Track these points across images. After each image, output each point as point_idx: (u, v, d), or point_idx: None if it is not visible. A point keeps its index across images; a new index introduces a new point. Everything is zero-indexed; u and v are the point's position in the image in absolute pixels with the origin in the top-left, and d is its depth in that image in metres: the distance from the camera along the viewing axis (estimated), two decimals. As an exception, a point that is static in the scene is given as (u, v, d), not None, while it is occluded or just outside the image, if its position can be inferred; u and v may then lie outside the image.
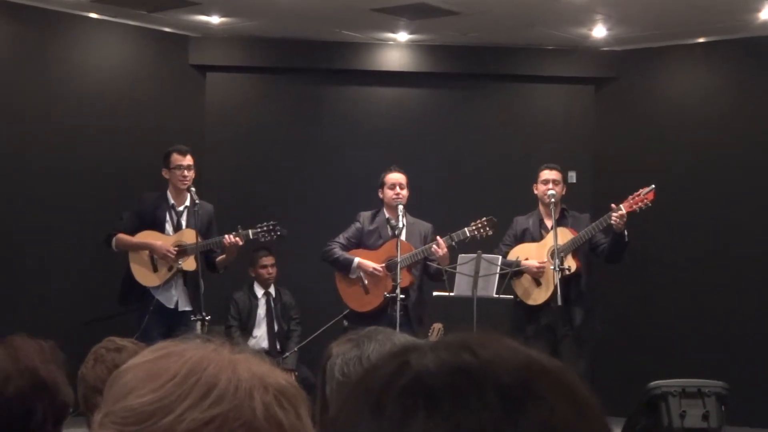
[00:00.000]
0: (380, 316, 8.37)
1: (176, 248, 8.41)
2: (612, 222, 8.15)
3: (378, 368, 1.05)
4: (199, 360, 1.31)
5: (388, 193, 8.54)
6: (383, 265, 8.53)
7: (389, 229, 8.55)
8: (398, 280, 8.11)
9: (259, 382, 1.31)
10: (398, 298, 8.06)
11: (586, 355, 8.57)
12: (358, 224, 8.76)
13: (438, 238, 8.34)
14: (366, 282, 8.60)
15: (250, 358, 1.36)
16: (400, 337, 2.68)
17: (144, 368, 1.33)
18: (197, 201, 8.36)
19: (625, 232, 8.22)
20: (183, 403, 1.27)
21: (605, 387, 9.62)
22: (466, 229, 8.40)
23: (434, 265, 8.41)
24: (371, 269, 8.53)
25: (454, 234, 8.38)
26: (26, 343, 2.59)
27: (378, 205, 8.81)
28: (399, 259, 8.19)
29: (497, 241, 8.71)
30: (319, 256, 8.80)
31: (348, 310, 8.72)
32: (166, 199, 8.59)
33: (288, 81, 11.26)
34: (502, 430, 0.96)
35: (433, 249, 8.28)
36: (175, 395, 1.28)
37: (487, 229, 8.42)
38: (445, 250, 8.28)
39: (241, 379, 1.30)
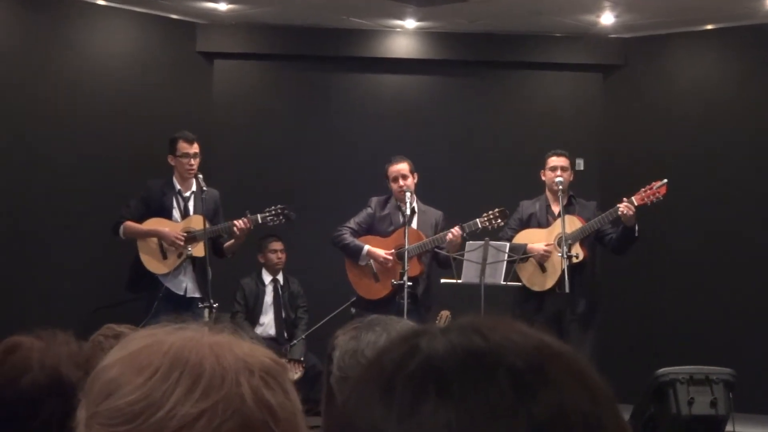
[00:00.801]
0: (388, 304, 8.38)
1: (185, 234, 8.42)
2: (619, 212, 8.13)
3: (388, 352, 1.05)
4: (180, 349, 1.29)
5: (393, 186, 8.54)
6: (393, 252, 8.53)
7: (400, 215, 8.54)
8: (406, 268, 8.11)
9: (244, 366, 1.29)
10: (405, 286, 8.06)
11: (589, 341, 8.58)
12: (369, 209, 8.75)
13: (455, 228, 8.33)
14: (375, 270, 8.60)
15: (231, 340, 1.34)
16: (400, 326, 2.67)
17: (124, 364, 1.30)
18: (205, 188, 8.36)
19: (636, 227, 8.21)
20: (171, 398, 1.25)
21: (613, 374, 9.62)
22: (477, 220, 8.40)
23: (443, 252, 8.39)
24: (381, 258, 8.53)
25: (465, 225, 8.37)
26: (62, 342, 2.56)
27: (385, 191, 8.82)
28: (407, 248, 8.20)
29: (503, 225, 8.71)
30: (329, 240, 8.79)
31: (355, 298, 8.72)
32: (173, 186, 8.59)
33: (295, 68, 11.25)
34: (513, 414, 0.96)
35: (448, 237, 8.27)
36: (161, 390, 1.26)
37: (498, 220, 8.43)
38: (459, 238, 8.28)
39: (226, 366, 1.28)
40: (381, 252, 8.54)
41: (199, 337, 1.32)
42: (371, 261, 8.61)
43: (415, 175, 8.61)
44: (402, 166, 8.55)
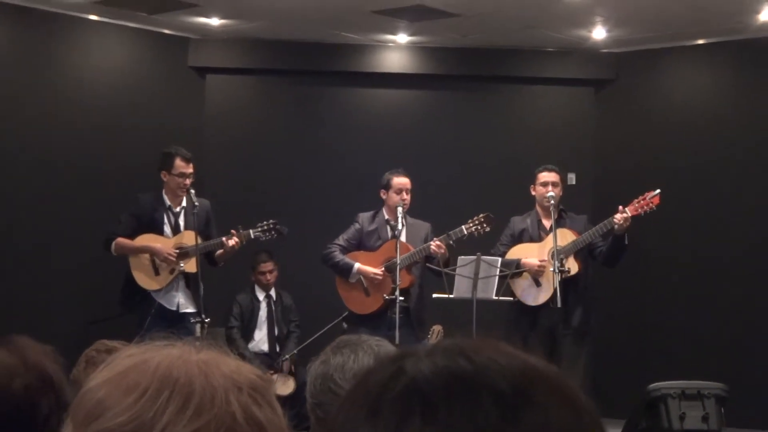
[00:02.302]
0: (380, 318, 8.38)
1: (177, 251, 8.40)
2: (614, 222, 8.13)
3: (373, 373, 1.05)
4: (168, 368, 1.28)
5: (394, 197, 8.52)
6: (382, 268, 8.52)
7: (389, 229, 8.55)
8: (397, 282, 8.11)
9: (232, 383, 1.29)
10: (397, 300, 8.06)
11: (584, 354, 8.58)
12: (357, 225, 8.75)
13: (435, 239, 8.34)
14: (366, 285, 8.59)
15: (217, 357, 1.33)
16: (368, 345, 2.65)
17: (112, 384, 1.29)
18: (196, 203, 8.33)
19: (626, 236, 8.20)
20: (162, 418, 1.24)
21: (605, 389, 9.66)
22: (463, 227, 8.38)
23: (435, 267, 8.38)
24: (371, 275, 8.52)
25: (451, 232, 8.37)
26: (30, 343, 2.60)
27: (377, 205, 8.81)
28: (398, 261, 8.19)
29: (494, 241, 8.70)
30: (320, 258, 8.79)
31: (347, 312, 8.72)
32: (163, 201, 8.55)
33: (288, 83, 11.26)
34: None
35: (432, 249, 8.28)
36: (152, 411, 1.24)
37: (484, 225, 8.40)
38: (444, 248, 8.29)
39: (215, 385, 1.28)
40: (371, 269, 8.54)
41: (186, 356, 1.32)
42: (361, 277, 8.61)
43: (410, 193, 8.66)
44: (408, 181, 8.59)
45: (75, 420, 1.31)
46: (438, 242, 8.28)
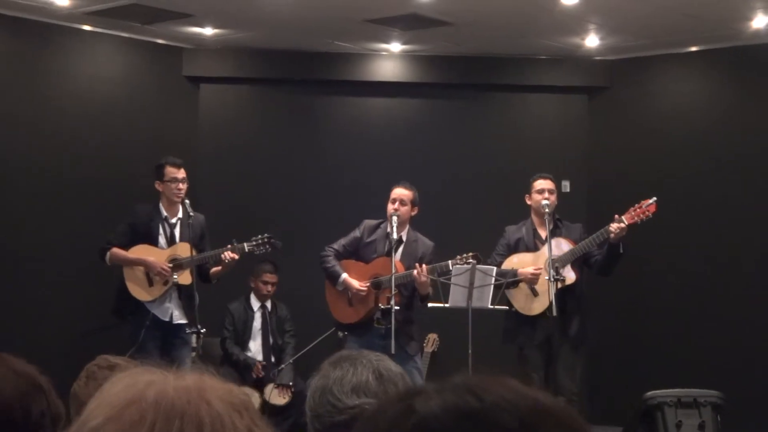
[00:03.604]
0: (369, 329, 8.38)
1: (171, 264, 8.39)
2: (611, 231, 8.12)
3: (383, 412, 1.05)
4: (170, 399, 1.26)
5: (389, 206, 8.50)
6: (367, 284, 8.49)
7: (387, 244, 8.49)
8: (393, 292, 8.10)
9: (232, 407, 1.29)
10: (392, 310, 8.04)
11: (580, 362, 8.58)
12: (357, 233, 8.70)
13: (421, 265, 8.25)
14: (350, 296, 8.57)
15: (208, 381, 1.33)
16: (368, 360, 2.65)
17: (115, 421, 1.26)
18: (191, 213, 8.32)
19: (621, 245, 8.19)
20: None
21: (602, 397, 9.68)
22: (449, 261, 8.30)
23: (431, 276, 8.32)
24: (354, 289, 8.50)
25: (437, 265, 8.28)
26: (12, 357, 2.63)
27: (370, 214, 8.80)
28: (384, 278, 8.21)
29: (490, 252, 8.68)
30: (317, 258, 8.77)
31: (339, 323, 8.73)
32: (159, 212, 8.56)
33: (281, 92, 11.26)
34: None
35: (414, 273, 8.22)
36: None
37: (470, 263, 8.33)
38: (424, 278, 8.19)
39: (220, 412, 1.27)
40: (355, 284, 8.49)
41: (181, 383, 1.30)
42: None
43: (416, 208, 8.55)
44: (403, 192, 8.49)
45: None
46: (423, 270, 8.20)
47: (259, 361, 9.70)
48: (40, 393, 2.51)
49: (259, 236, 8.56)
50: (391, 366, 2.65)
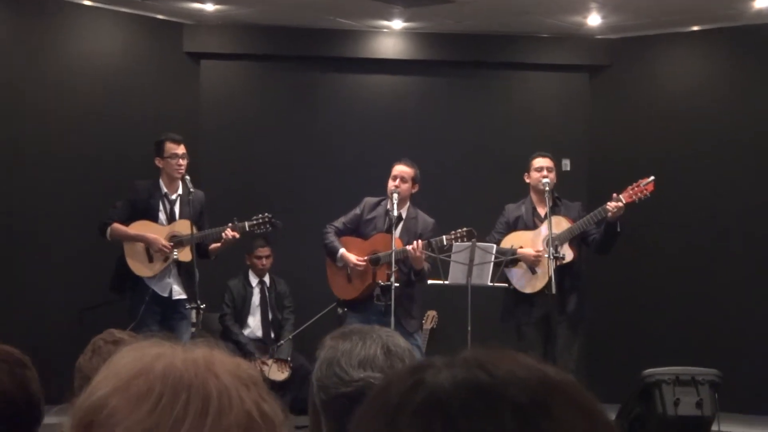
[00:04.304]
0: (367, 305, 8.40)
1: (171, 241, 8.40)
2: (608, 210, 8.13)
3: (393, 385, 1.06)
4: (178, 372, 1.26)
5: (389, 183, 8.50)
6: (366, 259, 8.51)
7: (387, 221, 8.51)
8: (393, 269, 8.11)
9: (240, 381, 1.29)
10: (392, 287, 8.06)
11: (579, 339, 8.60)
12: (357, 210, 8.72)
13: (417, 241, 8.28)
14: (349, 271, 8.60)
15: (216, 354, 1.32)
16: (377, 335, 2.67)
17: (121, 393, 1.26)
18: (192, 190, 8.32)
19: (618, 223, 8.20)
20: (185, 423, 1.22)
21: (600, 375, 9.68)
22: (444, 237, 8.32)
23: (429, 252, 8.34)
24: (352, 264, 8.52)
25: (432, 240, 8.30)
26: None
27: (371, 191, 8.81)
28: (382, 254, 8.24)
29: (489, 229, 8.69)
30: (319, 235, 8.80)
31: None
32: (159, 188, 8.56)
33: (282, 69, 11.25)
34: None
35: (409, 249, 8.23)
36: (173, 416, 1.22)
37: (465, 239, 8.33)
38: (419, 253, 8.22)
39: (228, 385, 1.27)
40: (352, 258, 8.51)
41: (189, 355, 1.30)
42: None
43: (416, 185, 8.56)
44: (404, 169, 8.49)
45: (81, 429, 1.27)
46: (417, 245, 8.22)
47: (261, 360, 9.65)
48: (30, 371, 2.58)
49: (260, 215, 8.56)
50: (401, 342, 2.66)
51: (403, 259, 8.37)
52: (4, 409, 2.50)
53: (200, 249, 8.58)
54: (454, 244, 8.24)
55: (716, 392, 7.84)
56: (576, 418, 1.01)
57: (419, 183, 8.55)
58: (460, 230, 8.28)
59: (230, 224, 8.44)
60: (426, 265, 8.35)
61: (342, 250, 8.57)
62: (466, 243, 8.20)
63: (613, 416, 7.89)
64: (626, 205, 8.13)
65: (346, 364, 2.57)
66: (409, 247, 8.21)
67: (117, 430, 1.23)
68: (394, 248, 8.18)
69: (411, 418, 1.01)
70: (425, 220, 8.64)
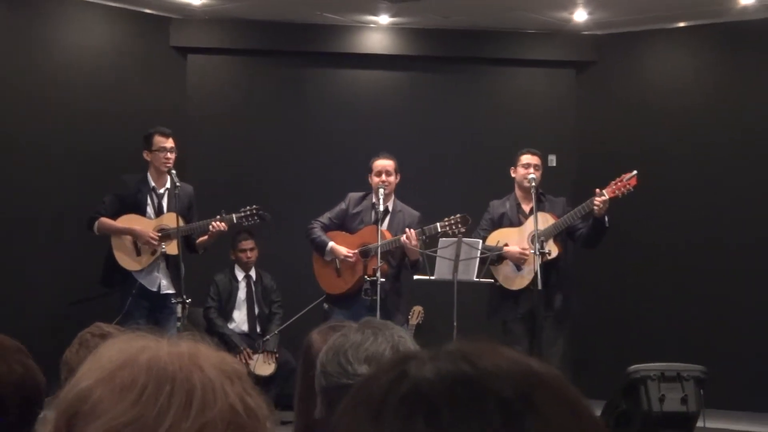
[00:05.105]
0: (354, 300, 8.40)
1: (158, 233, 8.40)
2: (594, 207, 8.15)
3: (377, 377, 1.06)
4: (162, 364, 1.27)
5: (374, 180, 8.52)
6: (356, 251, 8.52)
7: (373, 214, 8.53)
8: (379, 264, 8.12)
9: (224, 375, 1.29)
10: (378, 282, 8.07)
11: (564, 336, 8.61)
12: (343, 206, 8.75)
13: (409, 230, 8.30)
14: (339, 265, 8.60)
15: (201, 347, 1.33)
16: (390, 333, 2.66)
17: (105, 384, 1.26)
18: (178, 183, 8.32)
19: (606, 218, 8.22)
20: (168, 415, 1.23)
21: (585, 370, 9.70)
22: (438, 224, 8.35)
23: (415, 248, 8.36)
24: (342, 256, 8.53)
25: (426, 228, 8.34)
26: None
27: (358, 185, 8.83)
28: (371, 246, 8.23)
29: (474, 226, 8.70)
30: (304, 232, 8.80)
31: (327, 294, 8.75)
32: (147, 182, 8.57)
33: (269, 63, 11.23)
34: None
35: (402, 239, 8.26)
36: (155, 409, 1.23)
37: (460, 226, 8.34)
38: (414, 241, 8.24)
39: (212, 378, 1.27)
40: (343, 250, 8.53)
41: (174, 348, 1.31)
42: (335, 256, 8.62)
43: (398, 176, 8.60)
44: (387, 163, 8.55)
45: (70, 423, 1.28)
46: (411, 234, 8.24)
47: (246, 349, 9.65)
48: (29, 358, 2.61)
49: (248, 207, 8.57)
50: (410, 345, 2.65)
51: (392, 252, 8.39)
52: (19, 397, 2.52)
53: (188, 242, 8.58)
54: (440, 239, 8.26)
55: (701, 388, 7.86)
56: (561, 411, 1.01)
57: (399, 173, 8.60)
58: (454, 217, 8.32)
59: (218, 216, 8.44)
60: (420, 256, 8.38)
61: (331, 243, 8.58)
62: (452, 239, 8.22)
63: (598, 412, 7.91)
64: (610, 199, 8.16)
65: (353, 357, 2.56)
66: (402, 237, 8.23)
67: (101, 420, 1.24)
68: (379, 241, 8.19)
69: (394, 410, 1.01)
70: (411, 213, 8.68)
